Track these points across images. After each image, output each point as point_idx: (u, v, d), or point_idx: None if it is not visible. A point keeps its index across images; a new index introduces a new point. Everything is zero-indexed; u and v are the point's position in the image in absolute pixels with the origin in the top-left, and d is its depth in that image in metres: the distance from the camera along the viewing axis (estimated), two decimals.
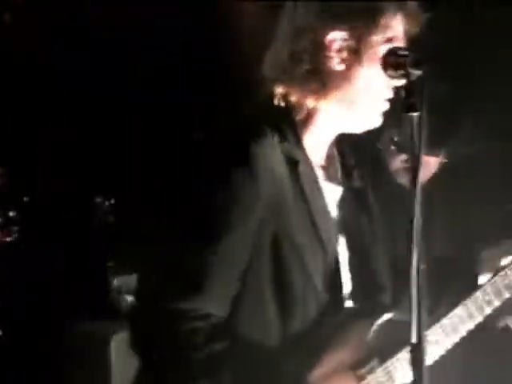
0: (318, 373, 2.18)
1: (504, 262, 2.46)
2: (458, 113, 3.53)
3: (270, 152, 2.11)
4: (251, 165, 2.06)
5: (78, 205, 3.98)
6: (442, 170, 3.46)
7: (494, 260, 2.49)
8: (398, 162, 3.46)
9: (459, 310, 2.36)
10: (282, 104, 2.19)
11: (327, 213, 2.25)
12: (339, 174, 2.35)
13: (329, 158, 2.32)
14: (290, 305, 2.15)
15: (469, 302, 2.37)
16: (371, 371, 2.24)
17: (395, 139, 3.42)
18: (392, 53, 2.03)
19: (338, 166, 2.35)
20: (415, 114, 1.85)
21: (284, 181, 2.13)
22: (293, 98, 2.19)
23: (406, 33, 2.20)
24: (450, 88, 3.40)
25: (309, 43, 2.15)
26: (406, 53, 1.98)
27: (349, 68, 2.16)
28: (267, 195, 2.09)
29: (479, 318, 2.38)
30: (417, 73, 1.89)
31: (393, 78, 2.01)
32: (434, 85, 3.29)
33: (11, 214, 4.54)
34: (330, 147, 2.32)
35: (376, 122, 2.25)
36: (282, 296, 2.14)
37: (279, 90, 2.19)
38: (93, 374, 3.63)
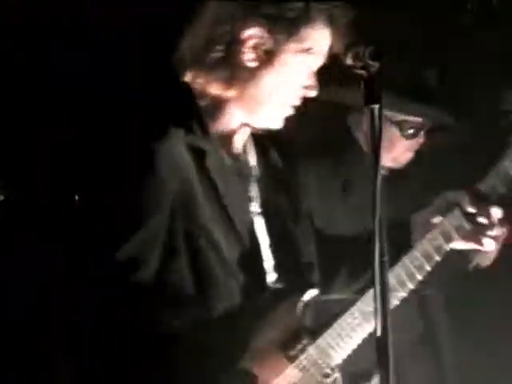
0: (248, 357, 2.16)
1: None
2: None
3: (174, 147, 2.10)
4: (153, 163, 2.06)
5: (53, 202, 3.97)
6: None
7: (426, 222, 2.43)
8: (403, 147, 3.38)
9: (390, 279, 2.29)
10: (189, 95, 2.19)
11: (241, 200, 2.24)
12: (254, 158, 2.35)
13: (242, 142, 2.32)
14: (213, 294, 2.14)
15: (399, 269, 2.31)
16: (303, 350, 2.21)
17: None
18: (352, 45, 2.01)
19: (251, 149, 2.35)
20: (376, 105, 1.85)
21: (191, 174, 2.12)
22: (198, 84, 2.19)
23: (333, 46, 2.22)
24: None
25: (226, 34, 2.16)
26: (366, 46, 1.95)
27: (260, 67, 2.17)
28: (173, 191, 2.08)
29: (410, 286, 2.32)
30: (376, 65, 1.88)
31: (353, 69, 1.98)
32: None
33: None
34: (243, 132, 2.30)
35: (276, 125, 2.25)
36: (203, 287, 2.13)
37: (188, 75, 2.20)
38: None
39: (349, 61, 1.95)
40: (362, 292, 2.43)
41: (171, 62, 2.22)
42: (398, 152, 3.37)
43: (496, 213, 2.34)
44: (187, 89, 2.19)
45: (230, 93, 2.18)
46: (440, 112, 3.33)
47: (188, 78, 2.20)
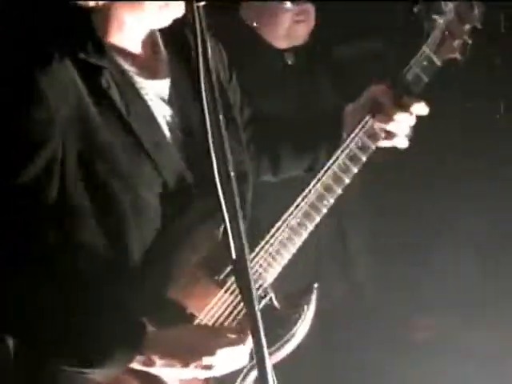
0: (175, 286, 2.01)
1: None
2: None
3: (62, 69, 1.90)
4: (38, 91, 1.86)
5: None
6: None
7: (355, 114, 2.33)
8: (289, 18, 3.33)
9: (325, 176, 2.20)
10: (73, 10, 1.95)
11: (151, 117, 2.03)
12: (166, 66, 2.11)
13: (153, 51, 2.11)
14: (119, 224, 1.96)
15: (333, 166, 2.21)
16: (231, 274, 2.07)
17: None
18: None
19: (164, 57, 2.12)
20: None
21: (85, 96, 1.92)
22: None
23: None
24: None
25: None
26: None
27: None
28: (64, 118, 1.89)
29: (346, 180, 2.22)
30: None
31: None
32: None
33: None
34: (152, 40, 2.10)
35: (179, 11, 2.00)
36: (108, 218, 1.96)
37: None
38: None
39: None
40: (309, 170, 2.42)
41: None
42: (285, 25, 3.33)
43: (418, 108, 2.25)
44: (70, 5, 1.96)
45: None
46: None
47: None
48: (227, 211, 1.64)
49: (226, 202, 1.64)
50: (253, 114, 2.41)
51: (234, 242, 1.65)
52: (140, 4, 1.96)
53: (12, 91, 1.88)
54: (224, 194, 1.64)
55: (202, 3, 1.67)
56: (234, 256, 1.65)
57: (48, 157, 1.88)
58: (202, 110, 1.67)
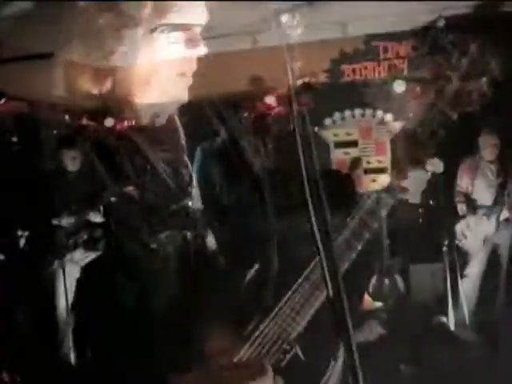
0: (202, 339, 2.07)
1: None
2: None
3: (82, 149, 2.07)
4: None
5: None
6: None
7: None
8: None
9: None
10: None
11: (164, 184, 2.14)
12: (182, 133, 2.23)
13: (169, 124, 2.22)
14: (144, 276, 2.09)
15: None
16: (256, 329, 2.12)
17: None
18: None
19: (179, 128, 2.24)
20: None
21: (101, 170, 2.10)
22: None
23: None
24: None
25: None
26: None
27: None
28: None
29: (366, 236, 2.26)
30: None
31: None
32: None
33: None
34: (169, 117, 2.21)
35: (181, 96, 2.14)
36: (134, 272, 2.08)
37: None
38: None
39: None
40: None
41: None
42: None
43: (433, 165, 2.26)
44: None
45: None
46: None
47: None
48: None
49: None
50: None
51: (330, 279, 1.71)
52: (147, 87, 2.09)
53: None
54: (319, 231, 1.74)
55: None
56: (330, 294, 1.71)
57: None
58: (299, 159, 1.73)
